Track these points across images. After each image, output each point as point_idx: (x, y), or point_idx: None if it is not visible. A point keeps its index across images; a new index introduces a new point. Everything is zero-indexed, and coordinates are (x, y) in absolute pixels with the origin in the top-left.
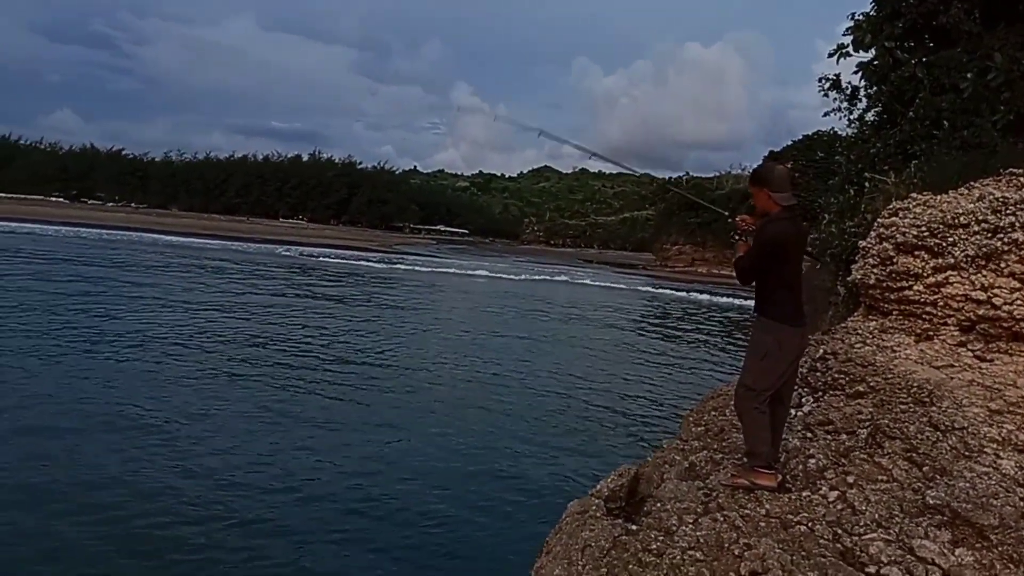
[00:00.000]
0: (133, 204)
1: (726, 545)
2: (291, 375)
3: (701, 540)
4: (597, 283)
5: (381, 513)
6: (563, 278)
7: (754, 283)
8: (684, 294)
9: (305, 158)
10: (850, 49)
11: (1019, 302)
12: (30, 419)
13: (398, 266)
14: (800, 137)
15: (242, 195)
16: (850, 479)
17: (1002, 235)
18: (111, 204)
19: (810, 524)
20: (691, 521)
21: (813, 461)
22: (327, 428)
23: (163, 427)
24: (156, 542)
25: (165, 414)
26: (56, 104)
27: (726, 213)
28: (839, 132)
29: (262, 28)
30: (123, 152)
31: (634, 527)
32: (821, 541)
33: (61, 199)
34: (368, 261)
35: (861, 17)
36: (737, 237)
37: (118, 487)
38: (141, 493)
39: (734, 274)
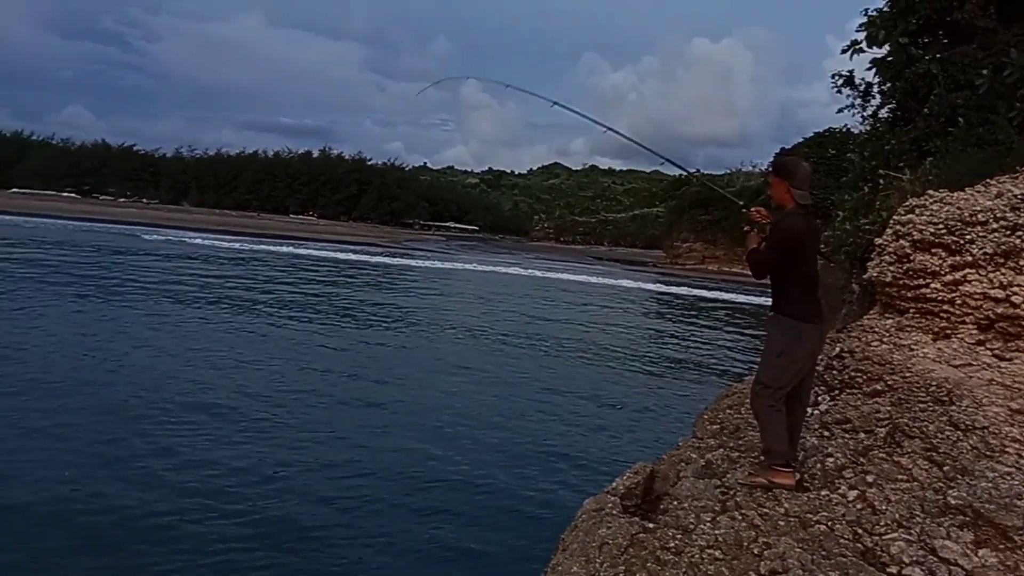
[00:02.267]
0: (144, 200)
1: (745, 544)
2: (312, 361)
3: (720, 539)
4: (607, 280)
5: (385, 507)
6: (572, 275)
7: (770, 280)
8: (695, 292)
9: (315, 154)
10: (864, 45)
11: None
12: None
13: (409, 263)
14: (811, 134)
15: (253, 191)
16: (869, 478)
17: (1021, 232)
18: (123, 200)
19: (830, 523)
20: (709, 520)
21: (831, 460)
22: (333, 414)
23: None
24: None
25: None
26: (67, 100)
27: (741, 203)
28: (852, 129)
29: (271, 24)
30: (134, 148)
31: (651, 525)
32: (841, 540)
33: (73, 194)
34: (379, 257)
35: (875, 13)
36: (748, 228)
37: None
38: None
39: (747, 269)
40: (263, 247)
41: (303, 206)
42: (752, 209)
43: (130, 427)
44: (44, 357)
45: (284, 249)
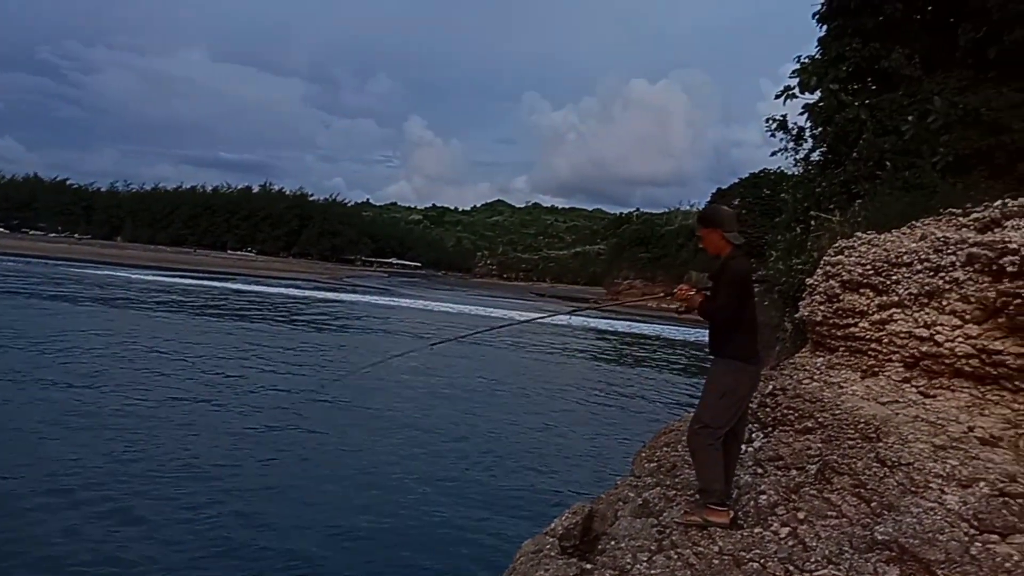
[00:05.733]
0: (76, 235)
1: None
2: (241, 400)
3: None
4: (547, 317)
5: (323, 550)
6: (514, 312)
7: (711, 324)
8: (635, 328)
9: (255, 189)
10: (796, 91)
11: (960, 339)
12: None
13: (347, 297)
14: (746, 175)
15: (190, 226)
16: (800, 515)
17: (943, 274)
18: (53, 235)
19: (762, 561)
20: (645, 559)
21: (764, 497)
22: (272, 453)
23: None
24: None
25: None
26: None
27: (661, 294)
28: (785, 171)
29: (214, 59)
30: (67, 182)
31: (589, 566)
32: None
33: (2, 229)
34: (313, 292)
35: (807, 60)
36: (683, 310)
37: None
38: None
39: (707, 319)
40: (193, 282)
41: (242, 242)
42: (677, 290)
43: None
44: None
45: (213, 284)
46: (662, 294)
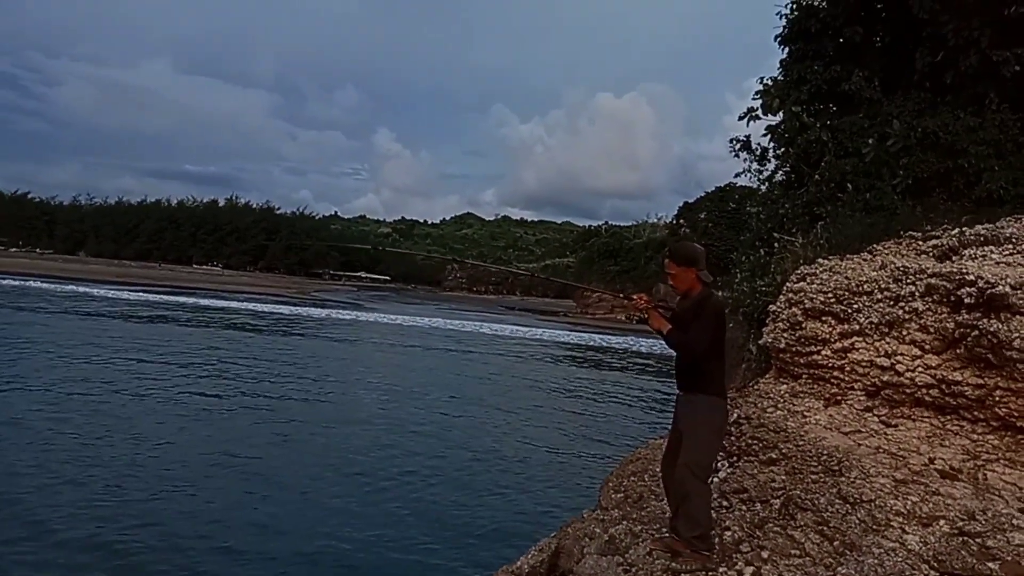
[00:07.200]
0: (38, 250)
1: None
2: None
3: None
4: (518, 330)
5: None
6: (484, 325)
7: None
8: (605, 341)
9: (221, 203)
10: (759, 112)
11: (920, 369)
12: None
13: (313, 312)
14: (713, 188)
15: (155, 240)
16: (765, 554)
17: (903, 304)
18: (14, 249)
19: None
20: None
21: (729, 533)
22: (229, 478)
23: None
24: None
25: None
26: None
27: (621, 295)
28: (750, 186)
29: (178, 71)
30: (28, 195)
31: None
32: None
33: None
34: (276, 306)
35: (769, 82)
36: (641, 316)
37: None
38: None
39: (675, 350)
40: (160, 298)
41: (208, 256)
42: (635, 297)
43: None
44: None
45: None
46: (622, 296)
